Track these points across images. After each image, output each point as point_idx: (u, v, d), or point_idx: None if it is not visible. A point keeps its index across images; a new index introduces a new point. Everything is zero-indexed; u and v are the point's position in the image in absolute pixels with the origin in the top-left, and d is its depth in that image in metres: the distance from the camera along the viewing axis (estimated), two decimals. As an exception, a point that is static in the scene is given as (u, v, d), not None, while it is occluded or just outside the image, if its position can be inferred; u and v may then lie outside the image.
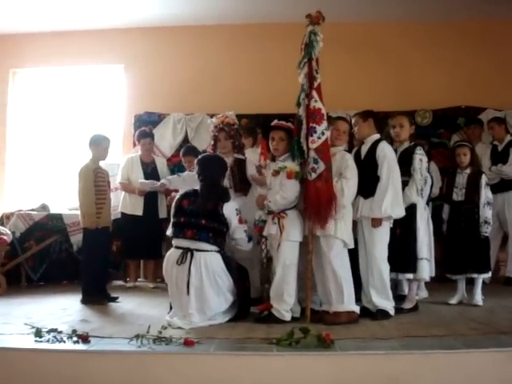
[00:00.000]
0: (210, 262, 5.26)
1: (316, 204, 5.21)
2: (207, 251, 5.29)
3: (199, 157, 5.82)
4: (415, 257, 5.84)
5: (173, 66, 9.18)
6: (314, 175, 5.24)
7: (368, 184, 5.53)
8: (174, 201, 5.65)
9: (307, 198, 5.28)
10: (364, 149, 5.72)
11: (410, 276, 5.84)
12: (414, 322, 5.32)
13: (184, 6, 8.49)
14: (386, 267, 5.52)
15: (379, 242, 5.51)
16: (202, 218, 5.33)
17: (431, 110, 8.75)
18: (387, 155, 5.55)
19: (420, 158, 5.89)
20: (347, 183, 5.34)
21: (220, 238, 5.41)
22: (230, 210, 5.44)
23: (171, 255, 5.42)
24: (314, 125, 5.26)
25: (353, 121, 5.87)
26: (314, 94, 5.30)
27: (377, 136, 5.72)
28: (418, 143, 6.14)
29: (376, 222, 5.48)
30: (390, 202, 5.44)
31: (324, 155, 5.24)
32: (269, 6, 8.36)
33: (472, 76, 8.82)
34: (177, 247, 5.40)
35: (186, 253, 5.28)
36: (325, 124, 5.29)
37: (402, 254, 5.69)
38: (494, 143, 7.89)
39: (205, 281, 5.22)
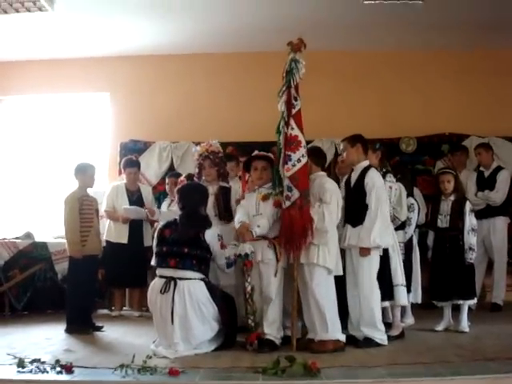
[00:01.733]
0: (193, 290, 5.24)
1: (289, 232, 5.23)
2: (190, 279, 5.27)
3: (179, 186, 5.84)
4: (391, 284, 5.83)
5: (158, 93, 9.21)
6: (287, 203, 5.28)
7: (356, 212, 5.54)
8: (157, 230, 5.65)
9: (281, 226, 5.32)
10: (354, 176, 5.72)
11: (387, 304, 5.81)
12: (401, 349, 5.32)
13: (169, 35, 8.53)
14: (375, 297, 5.49)
15: (367, 270, 5.48)
16: (184, 246, 5.33)
17: (415, 137, 8.81)
18: (376, 183, 5.53)
19: (390, 185, 5.94)
20: (328, 208, 5.33)
21: (204, 264, 5.41)
22: (211, 235, 5.46)
23: (155, 284, 5.40)
24: (289, 152, 5.30)
25: (341, 146, 5.87)
26: (292, 121, 5.34)
27: (366, 163, 5.70)
28: (389, 170, 6.20)
29: (364, 251, 5.46)
30: (379, 231, 5.42)
31: (299, 182, 5.25)
32: (256, 35, 8.41)
33: (456, 103, 8.91)
34: (161, 276, 5.38)
35: (170, 282, 5.26)
36: (301, 151, 5.30)
37: (379, 283, 5.59)
38: (480, 169, 7.94)
39: (189, 309, 5.19)
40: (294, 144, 5.30)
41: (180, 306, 5.19)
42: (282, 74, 5.50)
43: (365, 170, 5.63)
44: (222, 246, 5.52)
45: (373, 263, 5.51)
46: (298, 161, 5.28)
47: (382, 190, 5.60)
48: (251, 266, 5.39)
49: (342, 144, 5.84)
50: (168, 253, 5.39)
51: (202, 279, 5.34)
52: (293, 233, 5.21)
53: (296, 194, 5.24)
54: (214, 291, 5.39)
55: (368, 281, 5.47)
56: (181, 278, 5.26)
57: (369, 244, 5.42)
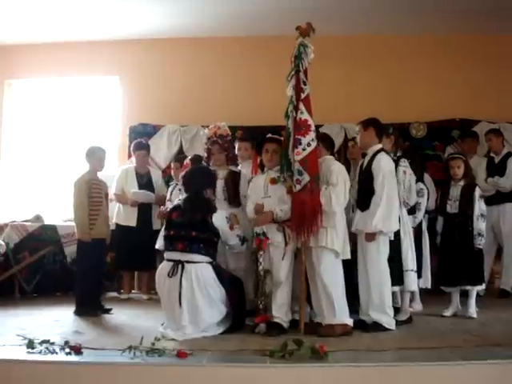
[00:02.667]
0: (201, 273, 5.25)
1: (300, 215, 5.24)
2: (198, 263, 5.29)
3: (185, 170, 5.85)
4: (401, 269, 5.82)
5: (168, 77, 9.19)
6: (298, 187, 5.27)
7: (365, 196, 5.52)
8: (158, 212, 5.67)
9: (292, 209, 5.31)
10: (365, 160, 5.70)
11: (396, 289, 5.81)
12: (409, 334, 5.32)
13: (179, 18, 8.52)
14: (384, 281, 5.47)
15: (376, 255, 5.46)
16: (192, 230, 5.34)
17: (425, 122, 8.78)
18: (382, 168, 5.48)
19: (404, 170, 5.91)
20: (334, 189, 5.31)
21: (211, 248, 5.42)
22: (220, 218, 5.47)
23: (163, 268, 5.42)
24: (299, 136, 5.28)
25: (356, 129, 5.85)
26: (301, 105, 5.33)
27: (378, 146, 5.66)
28: (403, 155, 6.17)
29: (369, 236, 5.45)
30: (382, 216, 5.39)
31: (309, 166, 5.25)
32: (265, 18, 8.38)
33: (466, 88, 8.86)
34: (168, 260, 5.41)
35: (177, 265, 5.28)
36: (311, 135, 5.29)
37: (389, 267, 5.58)
38: (490, 155, 7.90)
39: (196, 292, 5.21)
40: (303, 128, 5.29)
41: (188, 290, 5.21)
42: (290, 58, 5.48)
43: (375, 155, 5.60)
44: (231, 228, 5.53)
45: (381, 248, 5.48)
46: (308, 145, 5.27)
47: (390, 175, 5.55)
48: (263, 245, 5.39)
49: (357, 127, 5.81)
50: (176, 236, 5.41)
51: (209, 262, 5.36)
52: (304, 217, 5.21)
53: (306, 177, 5.23)
54: (222, 274, 5.41)
55: (376, 265, 5.46)
56: (188, 262, 5.28)
57: (370, 229, 5.41)
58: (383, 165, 5.52)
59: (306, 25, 5.39)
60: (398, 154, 6.09)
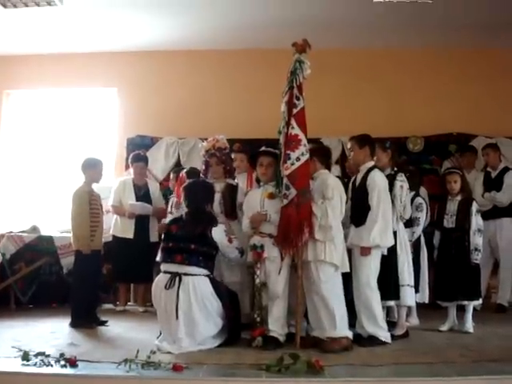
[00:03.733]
0: (198, 285, 5.25)
1: (285, 230, 5.24)
2: (196, 275, 5.28)
3: (185, 184, 5.85)
4: (397, 284, 5.81)
5: (166, 89, 9.21)
6: (285, 201, 5.28)
7: (359, 213, 5.54)
8: (160, 226, 5.67)
9: (279, 223, 5.33)
10: (359, 177, 5.71)
11: (392, 303, 5.81)
12: (405, 348, 5.30)
13: (177, 30, 8.55)
14: (374, 295, 5.47)
15: (367, 269, 5.47)
16: (191, 243, 5.34)
17: (423, 136, 8.81)
18: (377, 184, 5.52)
19: (401, 184, 5.91)
20: (330, 203, 5.31)
21: (210, 261, 5.43)
22: (219, 232, 5.48)
23: (159, 280, 5.41)
24: (288, 151, 5.30)
25: (348, 145, 5.85)
26: (293, 121, 5.33)
27: (370, 164, 5.69)
28: (404, 169, 6.18)
29: (364, 251, 5.45)
30: (379, 231, 5.42)
31: (296, 181, 5.25)
32: (264, 31, 8.41)
33: (463, 103, 8.89)
34: (165, 272, 5.39)
35: (175, 277, 5.27)
36: (301, 149, 5.29)
37: (384, 282, 5.60)
38: (487, 170, 7.92)
39: (193, 305, 5.20)
40: (293, 143, 5.30)
41: (184, 302, 5.20)
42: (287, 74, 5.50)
43: (368, 171, 5.63)
44: (230, 241, 5.53)
45: (373, 263, 5.49)
46: (297, 159, 5.28)
47: (384, 191, 5.58)
48: (262, 259, 5.39)
49: (350, 143, 5.83)
50: (174, 248, 5.40)
51: (206, 275, 5.35)
52: (289, 230, 5.22)
53: (293, 192, 5.24)
54: (219, 287, 5.40)
55: (367, 280, 5.46)
56: (186, 274, 5.27)
57: (368, 243, 5.41)
58: (378, 181, 5.55)
59: (302, 41, 5.41)
60: (395, 169, 6.10)
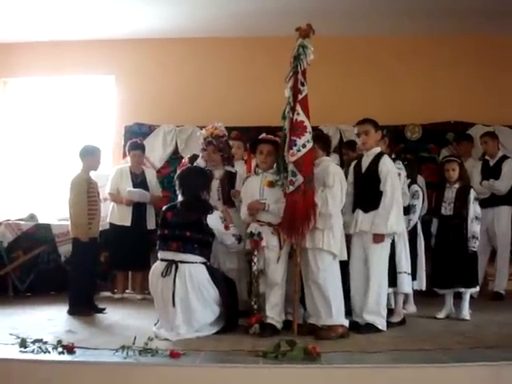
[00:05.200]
0: (194, 273, 5.25)
1: (292, 216, 5.21)
2: (192, 263, 5.29)
3: (179, 171, 5.84)
4: (394, 271, 5.82)
5: (164, 77, 9.19)
6: (291, 188, 5.24)
7: (369, 198, 5.52)
8: (160, 213, 5.66)
9: (284, 210, 5.29)
10: (365, 161, 5.68)
11: (390, 290, 5.81)
12: (402, 335, 5.32)
13: (175, 18, 8.51)
14: (383, 283, 5.51)
15: (380, 257, 5.49)
16: (186, 230, 5.34)
17: (420, 124, 8.79)
18: (389, 169, 5.52)
19: (398, 172, 5.90)
20: (331, 191, 5.29)
21: (206, 248, 5.43)
22: (215, 219, 5.46)
23: (156, 268, 5.42)
24: (294, 138, 5.26)
25: (356, 130, 5.76)
26: (298, 106, 5.29)
27: (378, 149, 5.69)
28: (402, 157, 6.17)
29: (379, 238, 5.45)
30: (395, 217, 5.43)
31: (303, 168, 5.22)
32: (260, 19, 8.39)
33: (461, 91, 8.88)
34: (162, 260, 5.40)
35: (171, 265, 5.28)
36: (307, 137, 5.26)
37: None
38: (485, 158, 7.92)
39: (190, 292, 5.21)
40: (299, 129, 5.26)
41: (181, 289, 5.21)
42: (286, 58, 5.46)
43: (378, 157, 5.60)
44: (226, 228, 5.53)
45: (385, 250, 5.53)
46: (303, 146, 5.24)
47: (396, 177, 5.59)
48: (259, 246, 5.38)
49: (363, 126, 5.69)
50: (170, 236, 5.40)
51: (203, 263, 5.35)
52: (295, 218, 5.19)
53: (300, 179, 5.20)
54: (216, 274, 5.41)
55: (380, 267, 5.48)
56: (182, 262, 5.27)
57: (386, 231, 5.42)
58: (390, 167, 5.56)
59: (306, 26, 5.36)
60: (393, 157, 6.09)
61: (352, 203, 5.63)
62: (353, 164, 5.85)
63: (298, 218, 5.19)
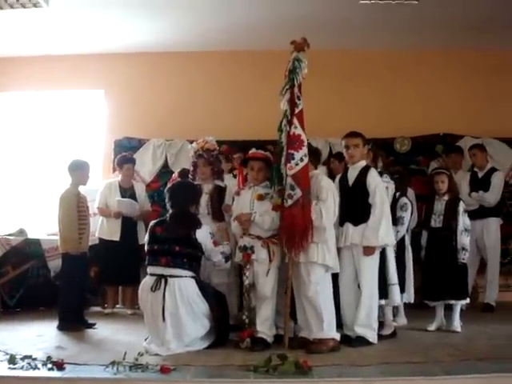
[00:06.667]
0: (184, 287, 5.24)
1: (291, 231, 5.21)
2: (181, 277, 5.28)
3: (168, 184, 5.84)
4: (385, 283, 5.83)
5: (153, 91, 9.19)
6: (290, 202, 5.24)
7: (358, 211, 5.54)
8: (148, 228, 5.65)
9: (283, 224, 5.29)
10: (352, 175, 5.70)
11: (382, 302, 5.81)
12: (393, 348, 5.31)
13: (165, 32, 8.52)
14: (374, 295, 5.52)
15: (370, 270, 5.51)
16: (175, 245, 5.34)
17: (410, 137, 8.83)
18: (378, 183, 5.57)
19: (386, 185, 5.93)
20: (324, 205, 5.30)
21: (195, 262, 5.42)
22: (204, 234, 5.46)
23: (146, 283, 5.41)
24: (292, 151, 5.27)
25: (345, 142, 5.75)
26: (295, 120, 5.32)
27: (364, 162, 5.71)
28: (392, 170, 6.19)
29: (370, 251, 5.47)
30: (385, 229, 5.46)
31: (301, 181, 5.23)
32: (252, 33, 8.42)
33: (450, 104, 8.93)
34: (151, 274, 5.39)
35: (160, 279, 5.26)
36: (304, 150, 5.29)
37: None
38: (474, 170, 7.95)
39: (180, 307, 5.19)
40: (296, 143, 5.28)
41: (171, 304, 5.19)
42: (277, 72, 5.52)
43: (365, 170, 5.63)
44: (215, 244, 5.52)
45: (375, 262, 5.55)
46: (301, 160, 5.26)
47: (383, 189, 5.64)
48: (250, 260, 5.38)
49: (354, 139, 5.69)
50: (159, 251, 5.40)
51: (192, 277, 5.34)
52: (295, 231, 5.19)
53: (298, 192, 5.21)
54: (205, 288, 5.41)
55: (371, 279, 5.50)
56: (171, 276, 5.26)
57: (376, 243, 5.44)
58: (378, 179, 5.61)
59: (301, 40, 5.39)
60: (379, 170, 6.12)
61: (339, 217, 5.62)
62: (338, 177, 5.87)
63: (298, 231, 5.19)
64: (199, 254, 5.45)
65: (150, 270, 5.45)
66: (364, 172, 5.62)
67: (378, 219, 5.45)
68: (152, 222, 5.73)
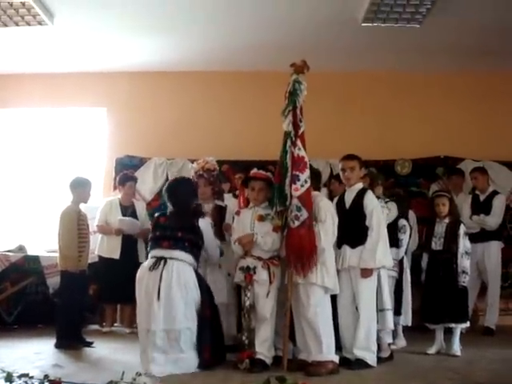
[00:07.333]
0: (182, 271, 5.27)
1: (299, 252, 5.20)
2: (181, 261, 5.31)
3: (166, 183, 5.84)
4: (377, 308, 5.71)
5: (155, 110, 9.23)
6: (297, 223, 5.24)
7: (355, 233, 5.53)
8: (152, 219, 5.69)
9: (289, 245, 5.27)
10: (349, 197, 5.70)
11: (379, 326, 5.75)
12: (392, 372, 5.29)
13: (167, 52, 8.58)
14: (373, 318, 5.49)
15: (368, 292, 5.48)
16: (178, 231, 5.41)
17: (410, 159, 8.84)
18: (375, 205, 5.57)
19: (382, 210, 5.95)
20: (323, 226, 5.31)
21: (195, 248, 5.46)
22: (206, 223, 5.55)
23: (145, 265, 5.45)
24: (297, 172, 5.29)
25: (341, 165, 5.77)
26: (298, 141, 5.35)
27: (360, 185, 5.71)
28: (391, 192, 6.19)
29: (367, 273, 5.45)
30: (383, 251, 5.45)
31: (307, 203, 5.25)
32: (253, 54, 8.47)
33: (451, 127, 8.96)
34: (152, 257, 5.42)
35: (160, 260, 5.30)
36: (307, 172, 5.31)
37: None
38: (475, 192, 7.96)
39: (174, 286, 5.19)
40: (301, 165, 5.31)
41: (166, 283, 5.19)
42: (279, 93, 5.52)
43: (361, 192, 5.64)
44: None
45: (372, 284, 5.53)
46: (305, 181, 5.28)
47: (381, 212, 5.65)
48: (251, 281, 5.37)
49: (350, 162, 5.72)
50: (161, 236, 5.46)
51: (191, 265, 5.37)
52: (302, 252, 5.19)
53: (305, 214, 5.22)
54: (202, 282, 5.43)
55: (369, 302, 5.48)
56: (172, 258, 5.30)
57: (374, 265, 5.43)
58: (375, 202, 5.61)
59: (300, 62, 5.42)
60: (375, 195, 6.13)
61: (337, 239, 5.61)
62: (335, 200, 5.87)
63: (306, 252, 5.19)
64: (200, 242, 5.49)
65: (151, 253, 5.48)
66: (361, 194, 5.62)
67: (375, 241, 5.44)
68: (156, 214, 5.80)
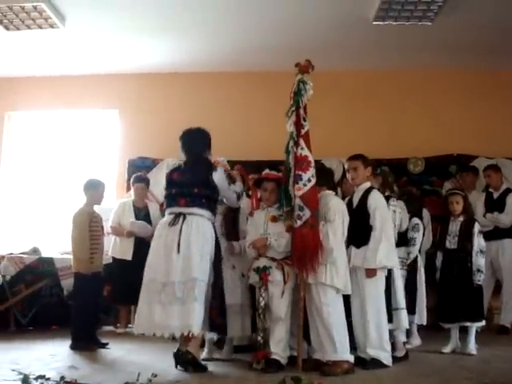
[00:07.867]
0: (202, 225, 5.32)
1: (301, 251, 5.21)
2: (200, 216, 5.34)
3: (182, 132, 5.86)
4: (390, 307, 5.73)
5: (167, 111, 9.24)
6: (299, 222, 5.26)
7: (360, 233, 5.50)
8: (165, 175, 5.74)
9: (293, 245, 5.30)
10: (356, 197, 5.69)
11: (389, 326, 5.67)
12: (408, 370, 5.28)
13: (179, 53, 8.60)
14: (382, 317, 5.45)
15: (374, 291, 5.45)
16: (193, 187, 5.41)
17: (423, 157, 8.81)
18: (379, 204, 5.54)
19: (393, 209, 5.92)
20: (332, 226, 5.31)
21: (212, 203, 5.50)
22: (220, 176, 5.56)
23: (163, 221, 5.48)
24: (299, 172, 5.30)
25: (347, 165, 5.78)
26: (301, 141, 5.36)
27: (368, 184, 5.69)
28: (402, 191, 6.17)
29: (370, 273, 5.42)
30: (385, 251, 5.41)
31: (309, 202, 5.25)
32: (264, 54, 8.48)
33: (464, 124, 8.92)
34: (170, 214, 5.45)
35: (179, 216, 5.34)
36: (311, 171, 5.31)
37: None
38: (489, 190, 7.92)
39: (193, 240, 5.23)
40: (304, 164, 5.31)
41: (186, 236, 5.24)
42: (289, 93, 5.51)
43: (367, 192, 5.62)
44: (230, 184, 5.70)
45: (379, 284, 5.49)
46: (309, 181, 5.29)
47: (386, 211, 5.61)
48: (267, 281, 5.37)
49: (353, 162, 5.72)
50: (178, 194, 5.46)
51: (209, 220, 5.41)
52: (305, 252, 5.19)
53: (307, 213, 5.22)
54: (218, 238, 5.47)
55: (375, 302, 5.44)
56: (190, 214, 5.34)
57: (375, 265, 5.39)
58: (380, 201, 5.57)
59: (305, 62, 5.43)
60: (387, 194, 6.10)
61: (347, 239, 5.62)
62: (346, 200, 5.86)
63: (308, 252, 5.19)
64: (216, 196, 5.53)
65: (168, 211, 5.50)
66: (366, 194, 5.61)
67: (377, 241, 5.41)
68: (168, 170, 5.84)
